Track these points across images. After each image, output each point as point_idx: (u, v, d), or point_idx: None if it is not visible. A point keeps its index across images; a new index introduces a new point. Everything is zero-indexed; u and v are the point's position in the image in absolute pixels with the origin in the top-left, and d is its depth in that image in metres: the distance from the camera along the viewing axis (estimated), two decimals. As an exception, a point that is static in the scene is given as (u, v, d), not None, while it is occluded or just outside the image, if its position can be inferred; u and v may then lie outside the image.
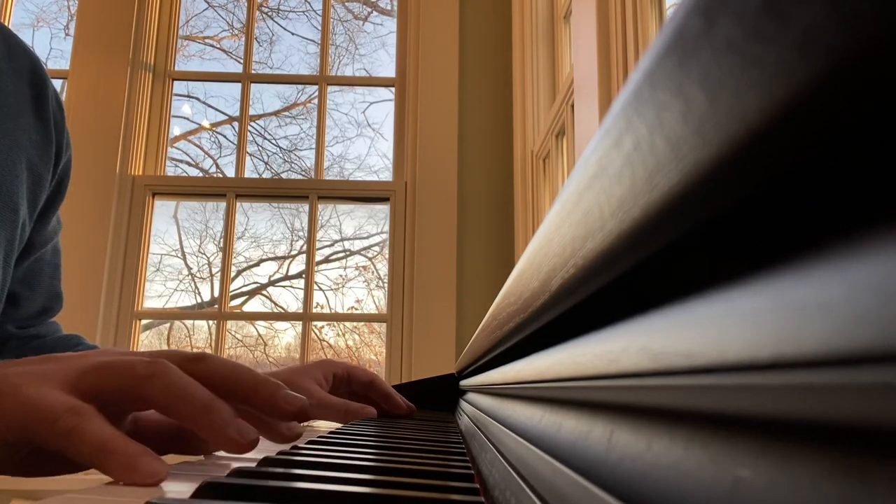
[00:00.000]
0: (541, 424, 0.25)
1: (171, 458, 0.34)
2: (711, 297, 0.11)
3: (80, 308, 1.90)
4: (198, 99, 2.53)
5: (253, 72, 2.35)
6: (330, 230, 2.46)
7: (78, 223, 1.91)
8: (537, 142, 1.88)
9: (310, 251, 2.17)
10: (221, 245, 2.18)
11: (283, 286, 2.60)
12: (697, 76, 0.09)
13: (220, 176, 2.46)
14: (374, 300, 2.50)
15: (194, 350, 2.61)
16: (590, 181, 0.15)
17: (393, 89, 2.31)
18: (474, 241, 2.04)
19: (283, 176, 2.52)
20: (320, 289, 2.50)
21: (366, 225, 2.48)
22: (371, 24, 2.57)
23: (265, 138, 2.54)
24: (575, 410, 0.20)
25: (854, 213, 0.08)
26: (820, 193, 0.09)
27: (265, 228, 2.49)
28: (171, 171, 2.33)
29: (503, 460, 0.28)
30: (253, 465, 0.31)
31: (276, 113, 2.56)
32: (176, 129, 2.50)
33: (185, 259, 2.52)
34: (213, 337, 2.18)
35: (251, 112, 2.40)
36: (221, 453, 0.39)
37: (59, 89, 0.60)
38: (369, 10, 2.59)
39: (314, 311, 2.21)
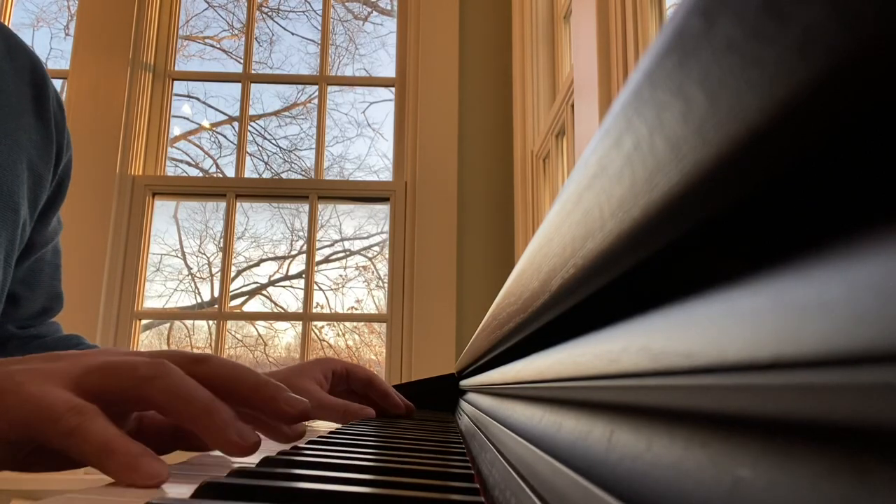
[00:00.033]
0: (541, 424, 0.25)
1: (172, 458, 0.34)
2: (711, 297, 0.11)
3: (80, 308, 1.90)
4: (198, 99, 2.54)
5: (253, 72, 2.35)
6: (330, 230, 2.46)
7: (78, 223, 1.91)
8: (537, 142, 1.88)
9: (310, 251, 2.17)
10: (221, 245, 2.19)
11: (283, 286, 2.60)
12: (697, 76, 0.09)
13: (220, 176, 2.46)
14: (374, 300, 2.50)
15: (195, 350, 2.61)
16: (590, 181, 0.15)
17: (393, 89, 2.31)
18: (474, 241, 2.04)
19: (283, 176, 2.52)
20: (320, 289, 2.50)
21: (366, 225, 2.48)
22: (371, 24, 2.57)
23: (265, 138, 2.54)
24: (575, 410, 0.20)
25: (854, 213, 0.08)
26: (820, 193, 0.09)
27: (265, 228, 2.49)
28: (171, 171, 2.33)
29: (503, 460, 0.28)
30: (253, 465, 0.31)
31: (276, 113, 2.56)
32: (176, 129, 2.50)
33: (185, 259, 2.53)
34: (213, 337, 2.18)
35: (251, 112, 2.40)
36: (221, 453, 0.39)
37: (59, 89, 0.60)
38: (369, 10, 2.59)
39: (314, 311, 2.21)
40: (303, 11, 2.56)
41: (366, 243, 2.52)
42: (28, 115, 0.58)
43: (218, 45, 2.57)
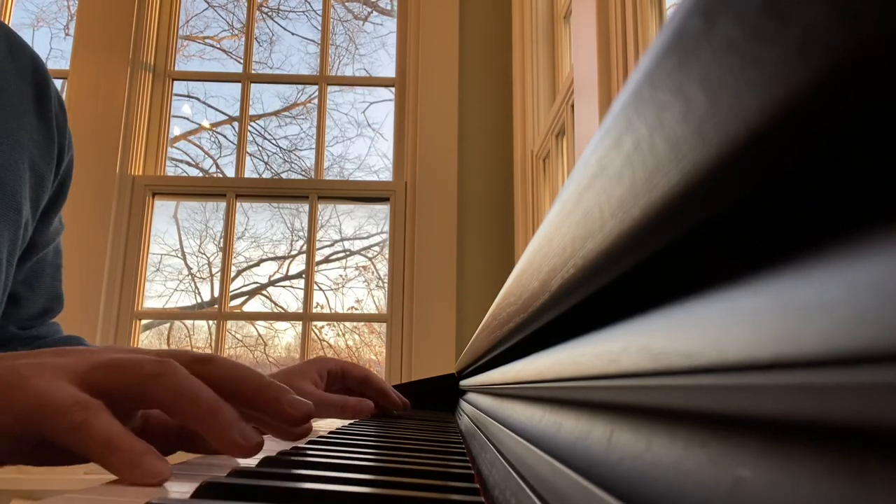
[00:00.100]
0: (541, 424, 0.25)
1: (173, 458, 0.34)
2: (711, 297, 0.11)
3: (80, 308, 1.90)
4: (198, 99, 2.54)
5: (253, 72, 2.35)
6: (330, 230, 2.46)
7: (78, 223, 1.91)
8: (537, 142, 1.88)
9: (310, 251, 2.17)
10: (221, 245, 2.18)
11: (283, 286, 2.60)
12: (697, 76, 0.09)
13: (220, 176, 2.46)
14: (374, 300, 2.50)
15: (196, 350, 2.61)
16: (590, 181, 0.15)
17: (393, 89, 2.31)
18: (474, 241, 2.04)
19: (283, 176, 2.52)
20: (320, 289, 2.50)
21: (366, 225, 2.48)
22: (371, 24, 2.57)
23: (265, 138, 2.54)
24: (575, 410, 0.20)
25: (854, 213, 0.08)
26: (820, 193, 0.09)
27: (265, 228, 2.49)
28: (171, 171, 2.33)
29: (503, 460, 0.28)
30: (253, 465, 0.31)
31: (276, 113, 2.56)
32: (176, 129, 2.50)
33: (185, 259, 2.53)
34: (213, 337, 2.18)
35: (251, 112, 2.40)
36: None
37: (59, 89, 0.60)
38: (369, 10, 2.59)
39: (314, 311, 2.21)
40: (303, 11, 2.56)
41: (366, 243, 2.52)
42: (30, 114, 0.58)
43: (218, 45, 2.57)
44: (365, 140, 2.51)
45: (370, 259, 2.54)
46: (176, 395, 0.30)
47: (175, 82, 2.30)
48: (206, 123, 2.55)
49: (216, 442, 0.31)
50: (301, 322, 2.14)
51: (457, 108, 2.11)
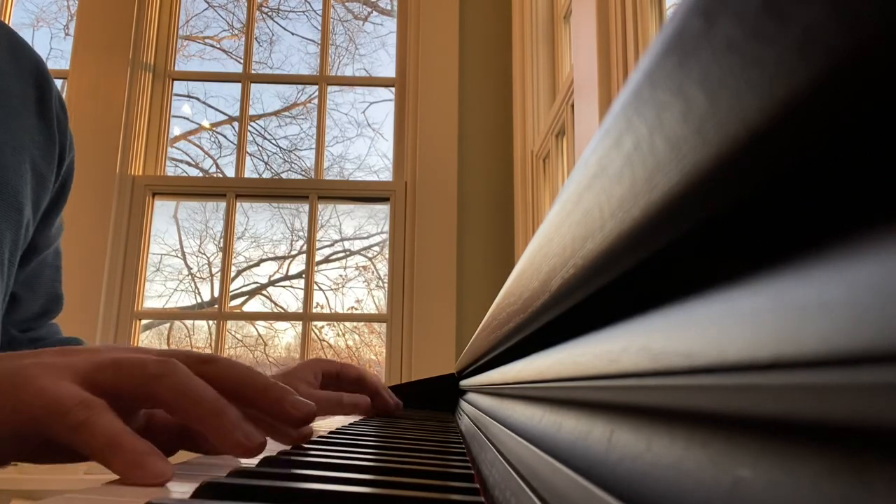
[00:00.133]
0: (541, 424, 0.25)
1: (174, 458, 0.34)
2: (711, 297, 0.11)
3: (80, 308, 1.90)
4: (198, 99, 2.54)
5: (253, 72, 2.35)
6: (330, 230, 2.46)
7: (78, 223, 1.91)
8: (537, 142, 1.88)
9: (310, 251, 2.17)
10: (221, 245, 2.19)
11: (283, 286, 2.60)
12: (697, 76, 0.09)
13: (220, 176, 2.46)
14: (374, 300, 2.50)
15: (196, 350, 2.61)
16: (590, 181, 0.15)
17: (393, 89, 2.31)
18: (474, 241, 2.04)
19: (283, 176, 2.52)
20: (320, 289, 2.50)
21: (366, 225, 2.48)
22: (371, 24, 2.57)
23: (265, 138, 2.54)
24: (575, 410, 0.20)
25: (854, 213, 0.08)
26: (820, 193, 0.09)
27: (265, 228, 2.49)
28: (171, 171, 2.33)
29: (503, 460, 0.28)
30: (253, 465, 0.31)
31: (276, 113, 2.56)
32: (176, 129, 2.50)
33: (185, 259, 2.53)
34: (213, 337, 2.18)
35: (251, 112, 2.40)
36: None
37: (59, 89, 0.60)
38: (369, 10, 2.59)
39: (314, 311, 2.21)
40: (303, 11, 2.56)
41: (366, 243, 2.52)
42: (31, 115, 0.58)
43: (218, 45, 2.57)
44: (365, 140, 2.51)
45: (370, 259, 2.54)
46: (179, 395, 0.30)
47: (175, 82, 2.30)
48: (206, 123, 2.56)
49: (219, 442, 0.31)
50: (301, 322, 2.14)
51: (457, 108, 2.11)
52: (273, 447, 0.38)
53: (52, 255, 0.66)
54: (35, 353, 0.32)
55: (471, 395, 0.74)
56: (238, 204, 2.25)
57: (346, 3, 2.56)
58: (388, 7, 2.56)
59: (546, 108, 1.85)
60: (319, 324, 2.46)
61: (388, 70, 2.39)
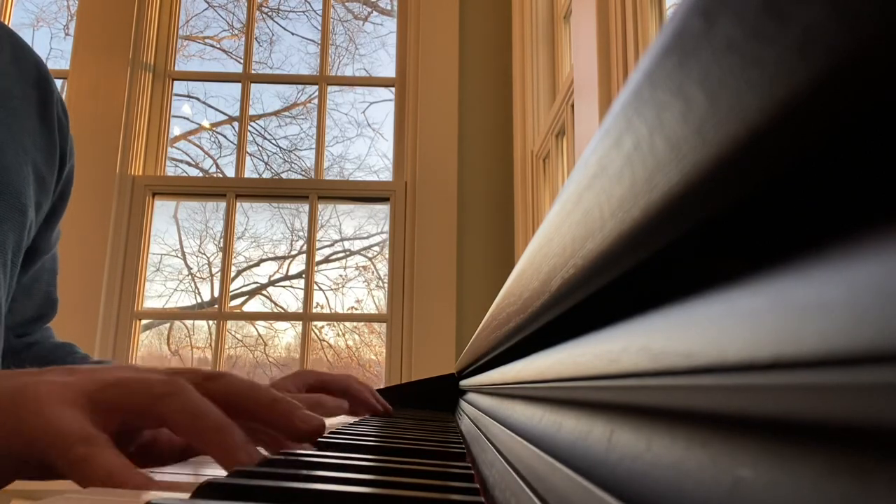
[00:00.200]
0: (541, 424, 0.25)
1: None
2: (711, 297, 0.11)
3: (80, 308, 1.90)
4: (198, 99, 2.54)
5: (253, 72, 2.35)
6: (330, 230, 2.46)
7: (78, 223, 1.91)
8: (537, 142, 1.88)
9: (310, 251, 2.17)
10: (221, 245, 2.19)
11: (283, 286, 2.60)
12: (697, 76, 0.09)
13: (220, 176, 2.46)
14: (374, 300, 2.50)
15: (195, 350, 2.61)
16: (590, 181, 0.15)
17: (393, 89, 2.31)
18: (474, 241, 2.04)
19: (283, 176, 2.52)
20: (320, 289, 2.50)
21: (366, 225, 2.48)
22: (371, 24, 2.57)
23: (265, 138, 2.54)
24: (575, 410, 0.20)
25: (854, 213, 0.08)
26: (820, 193, 0.09)
27: (265, 228, 2.49)
28: (171, 171, 2.33)
29: (503, 460, 0.28)
30: (253, 465, 0.31)
31: (276, 113, 2.56)
32: (176, 129, 2.50)
33: (185, 259, 2.53)
34: (213, 337, 2.18)
35: (251, 112, 2.40)
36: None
37: (60, 90, 0.61)
38: (369, 10, 2.59)
39: (314, 311, 2.21)
40: (303, 11, 2.56)
41: (366, 243, 2.52)
42: (33, 118, 0.59)
43: (218, 45, 2.57)
44: (365, 140, 2.51)
45: (370, 259, 2.54)
46: (183, 415, 0.30)
47: (175, 82, 2.30)
48: (206, 123, 2.56)
49: (223, 462, 0.31)
50: (301, 322, 2.14)
51: (457, 108, 2.11)
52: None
53: (49, 259, 0.66)
54: (41, 372, 0.32)
55: (471, 395, 0.74)
56: (238, 204, 2.25)
57: (346, 3, 2.56)
58: (388, 7, 2.56)
59: (546, 108, 1.85)
60: (319, 324, 2.46)
61: (388, 70, 2.39)
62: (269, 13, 2.58)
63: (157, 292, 2.39)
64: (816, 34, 0.07)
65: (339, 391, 0.76)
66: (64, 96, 2.06)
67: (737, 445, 0.09)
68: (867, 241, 0.07)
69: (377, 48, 2.51)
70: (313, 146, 2.32)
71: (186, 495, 0.23)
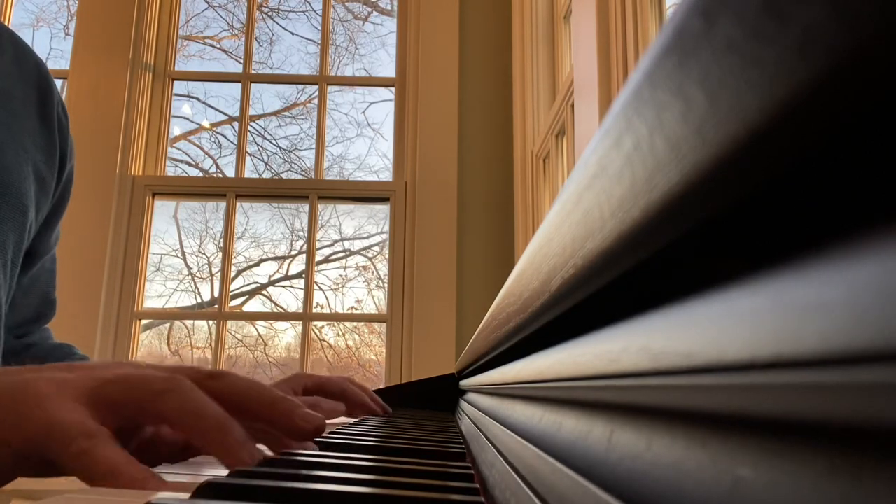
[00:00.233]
0: (541, 424, 0.25)
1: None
2: (711, 297, 0.11)
3: (80, 308, 1.90)
4: (198, 99, 2.54)
5: (253, 72, 2.35)
6: (330, 230, 2.46)
7: (78, 223, 1.91)
8: (537, 142, 1.88)
9: (310, 251, 2.17)
10: (221, 245, 2.19)
11: (283, 286, 2.60)
12: (697, 76, 0.09)
13: (220, 176, 2.46)
14: (374, 300, 2.50)
15: (195, 350, 2.60)
16: (590, 181, 0.15)
17: (393, 89, 2.31)
18: (474, 241, 2.04)
19: (283, 176, 2.52)
20: (320, 289, 2.50)
21: (366, 225, 2.48)
22: (371, 24, 2.57)
23: (265, 138, 2.54)
24: (575, 410, 0.20)
25: (854, 213, 0.08)
26: (820, 193, 0.09)
27: (265, 228, 2.49)
28: (171, 171, 2.33)
29: (503, 460, 0.28)
30: (253, 465, 0.31)
31: (276, 113, 2.56)
32: (176, 129, 2.50)
33: (185, 259, 2.53)
34: (213, 337, 2.18)
35: (251, 112, 2.40)
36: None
37: (60, 90, 0.61)
38: (369, 10, 2.59)
39: (314, 311, 2.21)
40: (303, 11, 2.56)
41: (366, 243, 2.52)
42: (33, 119, 0.59)
43: (218, 45, 2.57)
44: (365, 140, 2.51)
45: (370, 259, 2.54)
46: (183, 413, 0.30)
47: (175, 82, 2.30)
48: (206, 123, 2.56)
49: (224, 459, 0.31)
50: (301, 322, 2.14)
51: (457, 108, 2.11)
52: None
53: (48, 261, 0.66)
54: (40, 368, 0.32)
55: (471, 395, 0.74)
56: (238, 204, 2.25)
57: (346, 3, 2.56)
58: (388, 7, 2.56)
59: (546, 108, 1.85)
60: (319, 324, 2.46)
61: (388, 70, 2.39)
62: (269, 13, 2.58)
63: (157, 292, 2.40)
64: (816, 34, 0.07)
65: (335, 393, 0.75)
66: (64, 96, 2.06)
67: (737, 445, 0.09)
68: (867, 241, 0.07)
69: (377, 48, 2.51)
70: (313, 146, 2.32)
71: (186, 495, 0.23)
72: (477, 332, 0.60)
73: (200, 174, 2.53)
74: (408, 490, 0.25)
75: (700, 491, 0.10)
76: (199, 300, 2.52)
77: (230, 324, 2.49)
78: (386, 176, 2.33)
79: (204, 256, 2.54)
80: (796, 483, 0.08)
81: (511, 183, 2.04)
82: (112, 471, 0.27)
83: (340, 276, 2.56)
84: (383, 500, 0.24)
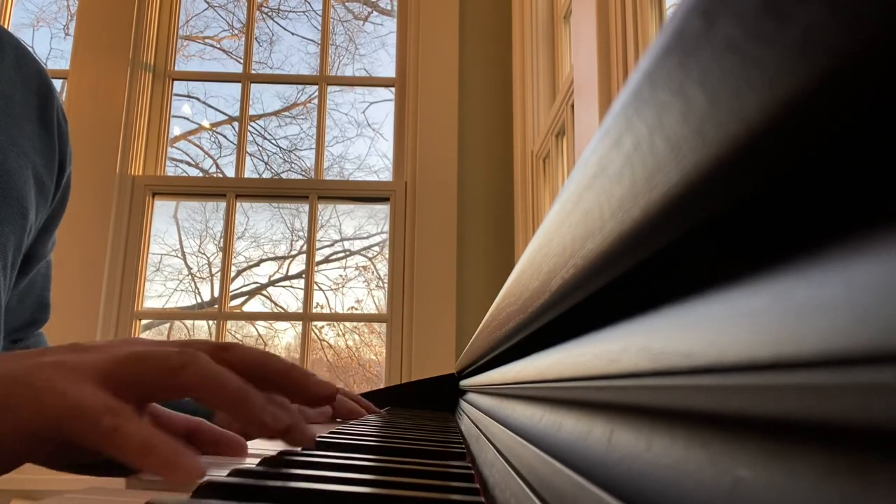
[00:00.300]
0: (541, 424, 0.25)
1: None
2: (711, 297, 0.11)
3: (80, 308, 1.90)
4: (198, 99, 2.54)
5: (253, 72, 2.35)
6: (330, 230, 2.46)
7: (78, 223, 1.91)
8: (537, 142, 1.88)
9: (310, 251, 2.17)
10: (221, 245, 2.19)
11: (283, 286, 2.60)
12: (697, 76, 0.09)
13: (220, 176, 2.46)
14: (374, 300, 2.50)
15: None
16: (590, 181, 0.15)
17: (393, 89, 2.31)
18: (474, 241, 2.04)
19: (283, 176, 2.52)
20: (320, 289, 2.50)
21: (366, 225, 2.48)
22: (371, 24, 2.57)
23: (265, 138, 2.54)
24: (575, 410, 0.20)
25: (854, 213, 0.08)
26: (820, 193, 0.09)
27: (265, 228, 2.49)
28: (171, 171, 2.33)
29: (503, 460, 0.28)
30: (253, 464, 0.31)
31: (276, 113, 2.56)
32: (176, 129, 2.50)
33: (185, 259, 2.53)
34: (213, 337, 2.18)
35: (251, 112, 2.40)
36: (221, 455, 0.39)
37: (58, 89, 0.61)
38: (369, 10, 2.59)
39: (314, 311, 2.21)
40: (303, 11, 2.56)
41: (366, 243, 2.52)
42: (32, 122, 0.59)
43: (218, 45, 2.57)
44: (365, 140, 2.51)
45: (370, 259, 2.54)
46: (205, 383, 0.31)
47: (175, 82, 2.30)
48: (206, 123, 2.56)
49: (248, 425, 0.31)
50: (301, 322, 2.14)
51: (457, 108, 2.11)
52: (273, 447, 0.38)
53: (44, 266, 0.66)
54: (50, 350, 0.32)
55: (471, 396, 0.74)
56: (238, 204, 2.25)
57: (346, 3, 2.56)
58: (388, 7, 2.56)
59: (546, 108, 1.85)
60: (319, 324, 2.46)
61: (388, 70, 2.39)
62: (269, 13, 2.58)
63: (157, 292, 2.40)
64: (816, 34, 0.07)
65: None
66: (64, 96, 2.06)
67: (736, 445, 0.09)
68: (867, 241, 0.07)
69: (377, 48, 2.51)
70: (313, 146, 2.32)
71: (186, 495, 0.23)
72: (477, 332, 0.60)
73: (200, 174, 2.53)
74: (408, 490, 0.25)
75: (700, 491, 0.10)
76: (199, 300, 2.52)
77: (230, 324, 2.49)
78: (386, 176, 2.33)
79: (204, 256, 2.54)
80: (796, 484, 0.08)
81: (511, 183, 2.04)
82: (145, 444, 0.27)
83: (340, 276, 2.56)
84: (383, 500, 0.24)
